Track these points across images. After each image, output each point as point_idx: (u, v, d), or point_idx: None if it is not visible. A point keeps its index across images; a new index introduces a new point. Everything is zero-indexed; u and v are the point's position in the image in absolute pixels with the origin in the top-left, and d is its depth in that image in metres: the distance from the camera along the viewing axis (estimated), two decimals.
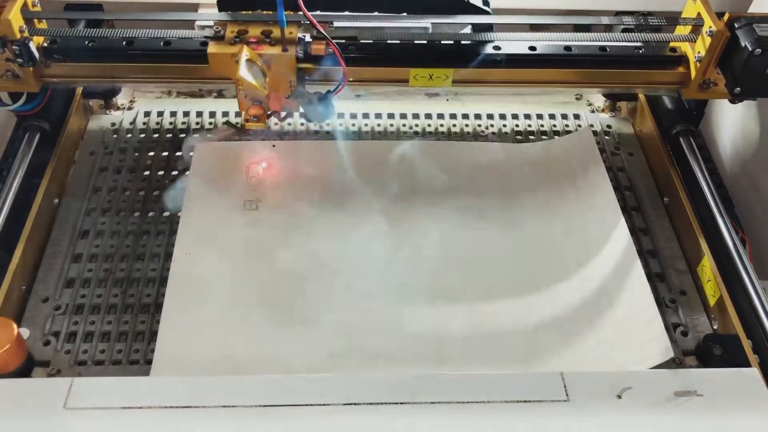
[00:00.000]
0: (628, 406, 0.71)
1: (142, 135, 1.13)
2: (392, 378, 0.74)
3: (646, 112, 1.15)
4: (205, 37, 0.90)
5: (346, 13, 0.99)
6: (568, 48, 0.97)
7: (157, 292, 0.91)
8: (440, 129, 1.17)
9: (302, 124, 1.15)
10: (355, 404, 0.70)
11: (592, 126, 1.17)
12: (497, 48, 0.96)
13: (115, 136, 1.12)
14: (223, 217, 1.00)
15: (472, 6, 1.00)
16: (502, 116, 1.20)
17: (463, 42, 0.97)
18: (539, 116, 1.20)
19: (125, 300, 0.90)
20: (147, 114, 1.16)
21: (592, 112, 1.22)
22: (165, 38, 0.93)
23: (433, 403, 0.70)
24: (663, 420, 0.70)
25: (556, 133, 1.17)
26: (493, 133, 1.17)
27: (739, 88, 0.92)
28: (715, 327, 0.90)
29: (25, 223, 0.92)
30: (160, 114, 1.17)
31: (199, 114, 1.17)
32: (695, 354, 0.86)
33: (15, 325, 0.75)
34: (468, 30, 1.00)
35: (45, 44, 0.95)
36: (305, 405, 0.69)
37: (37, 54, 0.92)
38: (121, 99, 1.18)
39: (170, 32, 0.92)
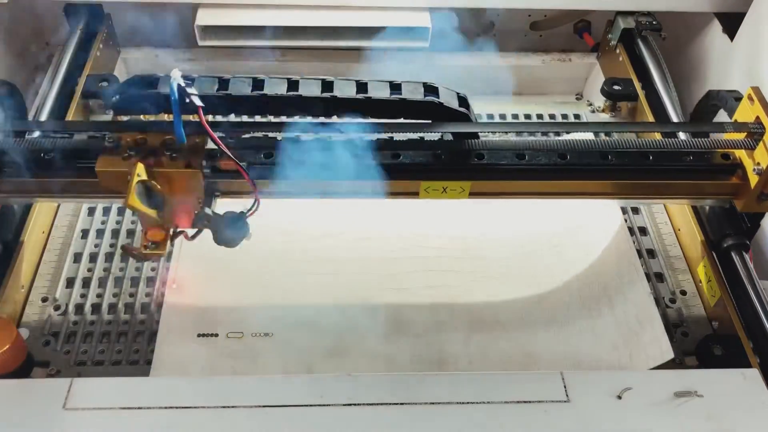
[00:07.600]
0: (628, 406, 0.71)
1: None
2: (392, 378, 0.74)
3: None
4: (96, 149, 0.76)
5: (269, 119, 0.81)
6: (604, 156, 0.80)
7: (156, 292, 0.91)
8: None
9: None
10: (355, 404, 0.70)
11: None
12: (521, 157, 0.80)
13: None
14: None
15: (447, 109, 0.76)
16: (502, 116, 1.20)
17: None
18: (539, 116, 1.20)
19: (125, 300, 0.90)
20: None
21: (592, 112, 1.22)
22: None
23: (433, 403, 0.70)
24: (663, 420, 0.70)
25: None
26: (493, 133, 1.17)
27: None
28: (715, 327, 0.90)
29: (25, 223, 0.92)
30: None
31: None
32: (695, 354, 0.86)
33: (14, 326, 0.75)
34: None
35: None
36: (305, 405, 0.69)
37: None
38: None
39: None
